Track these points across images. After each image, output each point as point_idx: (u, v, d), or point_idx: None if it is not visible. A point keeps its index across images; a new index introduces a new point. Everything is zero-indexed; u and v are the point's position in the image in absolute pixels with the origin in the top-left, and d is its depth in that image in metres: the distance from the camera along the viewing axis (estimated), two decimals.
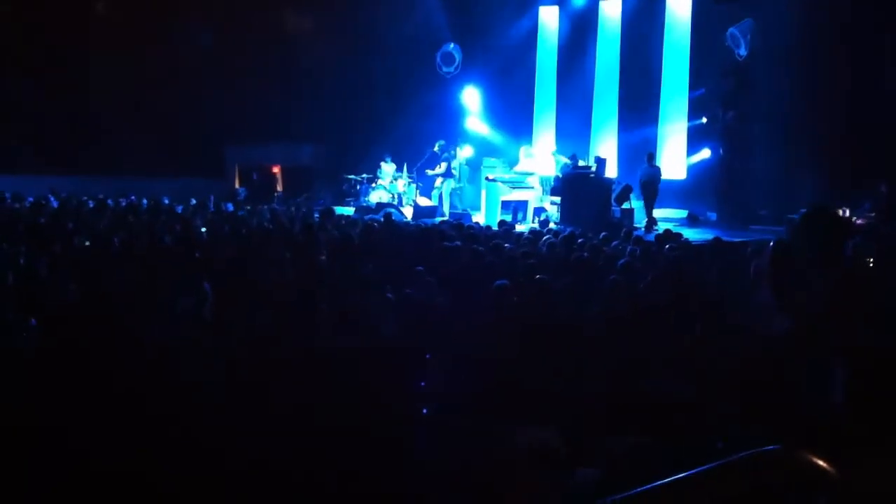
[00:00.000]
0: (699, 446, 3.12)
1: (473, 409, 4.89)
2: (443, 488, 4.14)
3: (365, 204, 20.19)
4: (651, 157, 18.03)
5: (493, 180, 18.79)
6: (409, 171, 21.21)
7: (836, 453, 1.92)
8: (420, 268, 7.71)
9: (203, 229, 12.41)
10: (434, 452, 4.39)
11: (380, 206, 19.36)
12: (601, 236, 11.69)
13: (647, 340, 5.41)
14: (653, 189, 17.65)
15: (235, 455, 4.09)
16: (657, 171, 17.80)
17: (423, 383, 5.29)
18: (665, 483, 1.69)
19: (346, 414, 4.35)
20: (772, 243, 3.98)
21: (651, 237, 13.02)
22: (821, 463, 1.67)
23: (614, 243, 10.92)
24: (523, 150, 20.44)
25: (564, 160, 18.90)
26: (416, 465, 4.25)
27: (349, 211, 19.12)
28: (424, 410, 5.03)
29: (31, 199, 16.63)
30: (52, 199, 17.27)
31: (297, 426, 4.27)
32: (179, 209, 16.19)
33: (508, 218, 16.71)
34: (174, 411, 4.32)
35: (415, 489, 4.13)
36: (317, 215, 14.91)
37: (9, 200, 16.23)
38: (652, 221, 17.41)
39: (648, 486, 1.70)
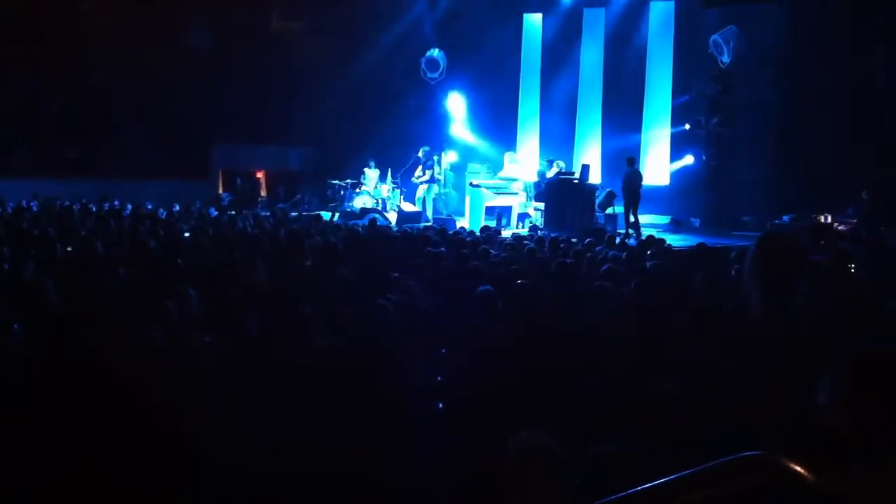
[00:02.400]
0: (693, 449, 3.13)
1: (465, 411, 4.90)
2: (437, 487, 4.15)
3: (349, 209, 20.15)
4: (631, 161, 17.92)
5: (478, 186, 18.81)
6: (393, 176, 21.21)
7: (821, 457, 1.93)
8: (395, 273, 7.71)
9: (186, 234, 12.38)
10: (428, 452, 4.39)
11: (364, 211, 19.33)
12: (585, 242, 11.71)
13: (636, 343, 5.42)
14: (633, 193, 17.54)
15: (231, 457, 4.08)
16: (638, 174, 17.69)
17: (438, 378, 5.29)
18: (644, 488, 1.69)
19: (340, 414, 4.35)
20: (759, 237, 3.97)
21: (633, 242, 13.07)
22: (800, 469, 1.68)
23: (598, 248, 10.94)
24: (508, 156, 20.46)
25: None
26: (411, 465, 4.25)
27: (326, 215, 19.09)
28: (440, 405, 5.03)
29: (12, 204, 16.55)
30: (33, 203, 17.19)
31: (290, 428, 4.26)
32: (163, 214, 16.15)
33: (493, 223, 16.72)
34: (166, 413, 4.30)
35: (408, 488, 4.13)
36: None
37: None
38: (636, 225, 17.40)
39: (627, 491, 1.70)
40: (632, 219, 17.30)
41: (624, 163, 18.02)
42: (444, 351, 5.65)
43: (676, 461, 1.84)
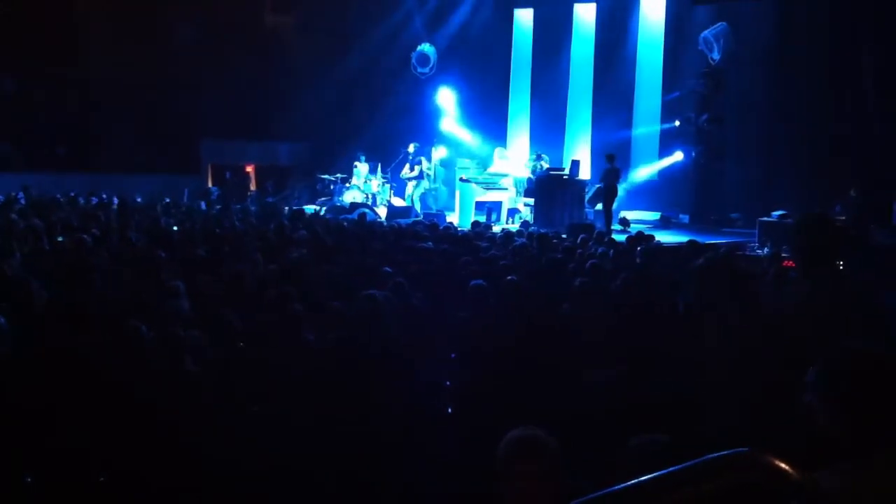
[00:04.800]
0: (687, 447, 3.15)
1: (465, 411, 4.90)
2: (434, 486, 4.15)
3: (339, 204, 20.13)
4: (611, 157, 17.77)
5: (468, 181, 18.80)
6: (383, 171, 21.20)
7: (808, 455, 1.94)
8: (388, 269, 7.70)
9: (175, 228, 12.34)
10: (428, 452, 4.39)
11: (354, 205, 19.31)
12: (579, 238, 11.71)
13: (628, 340, 5.43)
14: (612, 189, 17.47)
15: (227, 457, 4.08)
16: (616, 172, 17.57)
17: (447, 383, 5.28)
18: (630, 485, 1.70)
19: (338, 413, 4.34)
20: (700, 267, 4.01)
21: (622, 238, 13.07)
22: (787, 466, 1.68)
23: (589, 244, 10.95)
24: (497, 152, 20.48)
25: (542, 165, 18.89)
26: (412, 465, 4.25)
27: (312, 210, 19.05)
28: (449, 410, 5.02)
29: (1, 196, 16.47)
30: (21, 196, 17.10)
31: (287, 428, 4.26)
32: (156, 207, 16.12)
33: (482, 219, 16.73)
34: (159, 409, 4.29)
35: (409, 488, 4.13)
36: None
37: None
38: (615, 221, 17.44)
39: (611, 489, 1.70)
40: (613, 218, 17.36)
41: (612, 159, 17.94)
42: (453, 356, 5.64)
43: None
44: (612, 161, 17.51)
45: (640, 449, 3.18)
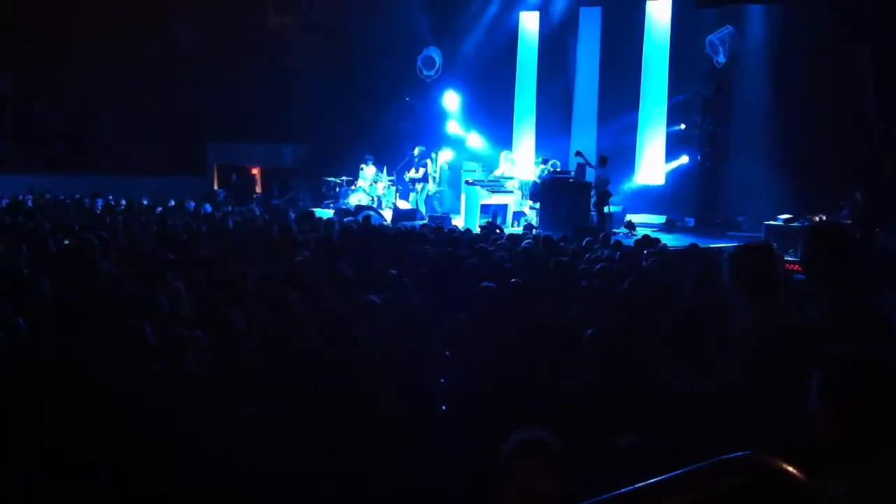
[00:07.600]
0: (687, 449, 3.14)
1: (463, 409, 4.89)
2: (434, 486, 4.14)
3: (344, 206, 20.13)
4: (604, 160, 17.77)
5: (473, 184, 18.80)
6: (389, 173, 21.21)
7: (811, 458, 1.93)
8: (393, 271, 7.70)
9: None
10: (428, 453, 4.39)
11: (359, 208, 19.30)
12: (584, 242, 11.71)
13: (631, 342, 5.42)
14: (604, 191, 17.39)
15: (226, 456, 4.07)
16: (607, 174, 17.49)
17: (442, 380, 5.28)
18: (634, 489, 1.69)
19: (337, 414, 4.34)
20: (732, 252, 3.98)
21: (630, 241, 13.05)
22: (790, 469, 1.67)
23: (594, 247, 10.94)
24: (503, 155, 20.46)
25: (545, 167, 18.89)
26: (408, 463, 4.25)
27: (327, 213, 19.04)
28: (444, 407, 5.02)
29: (6, 200, 16.52)
30: (28, 198, 17.15)
31: (285, 429, 4.25)
32: (159, 210, 16.15)
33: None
34: (161, 410, 4.29)
35: (409, 489, 4.13)
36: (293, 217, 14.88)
37: None
38: (621, 225, 17.37)
39: (615, 492, 1.70)
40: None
41: (620, 162, 17.90)
42: (448, 353, 5.63)
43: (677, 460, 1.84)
44: (604, 164, 17.46)
45: (629, 448, 3.19)
